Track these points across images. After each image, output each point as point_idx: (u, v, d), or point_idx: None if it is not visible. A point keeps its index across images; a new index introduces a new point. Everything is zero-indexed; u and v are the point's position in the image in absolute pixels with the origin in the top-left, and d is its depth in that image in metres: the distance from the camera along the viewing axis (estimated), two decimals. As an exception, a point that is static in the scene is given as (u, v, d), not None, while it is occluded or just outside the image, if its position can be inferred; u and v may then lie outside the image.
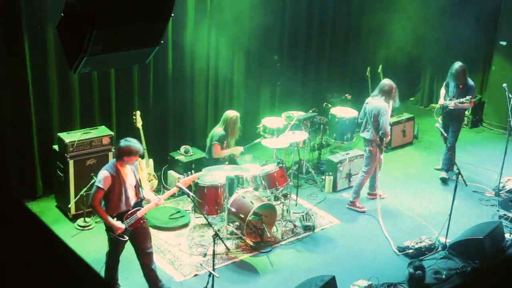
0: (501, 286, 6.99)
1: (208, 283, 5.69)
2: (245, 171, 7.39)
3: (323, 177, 8.75)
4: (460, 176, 7.06)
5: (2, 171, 7.49)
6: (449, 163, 8.89)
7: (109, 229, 5.72)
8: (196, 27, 8.81)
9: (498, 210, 8.14)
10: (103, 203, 5.69)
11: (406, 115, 10.38)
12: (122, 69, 8.12)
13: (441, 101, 8.84)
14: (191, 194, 6.16)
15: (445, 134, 8.44)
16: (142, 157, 7.33)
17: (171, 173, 8.38)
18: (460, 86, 8.65)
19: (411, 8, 10.74)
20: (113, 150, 7.59)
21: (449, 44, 11.10)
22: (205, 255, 6.82)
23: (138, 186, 5.87)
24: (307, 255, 7.07)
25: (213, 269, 5.76)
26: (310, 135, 8.94)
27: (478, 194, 8.61)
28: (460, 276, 6.67)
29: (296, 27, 10.20)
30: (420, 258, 6.81)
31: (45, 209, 7.71)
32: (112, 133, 7.70)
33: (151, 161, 8.10)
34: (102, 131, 7.67)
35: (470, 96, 8.48)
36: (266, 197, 7.50)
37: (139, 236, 5.87)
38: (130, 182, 5.77)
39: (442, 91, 8.95)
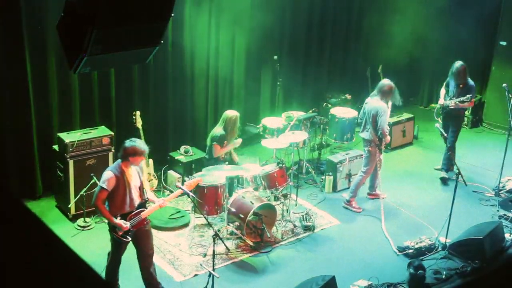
0: (501, 286, 6.99)
1: (208, 283, 5.69)
2: (245, 171, 7.39)
3: (323, 177, 8.75)
4: (460, 176, 7.06)
5: (2, 171, 7.50)
6: (449, 163, 8.89)
7: (113, 229, 5.71)
8: (196, 27, 8.81)
9: (498, 210, 8.14)
10: (106, 203, 5.69)
11: (406, 115, 10.38)
12: (122, 69, 8.12)
13: (441, 101, 8.84)
14: (191, 194, 6.15)
15: (445, 134, 8.44)
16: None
17: (171, 173, 8.38)
18: (461, 86, 8.65)
19: (411, 8, 10.74)
20: (113, 150, 7.60)
21: (449, 45, 11.10)
22: (205, 255, 6.82)
23: (142, 187, 5.87)
24: (307, 255, 7.07)
25: (213, 269, 5.76)
26: (310, 135, 8.94)
27: (478, 194, 8.61)
28: (460, 276, 6.67)
29: (296, 27, 10.20)
30: (420, 258, 6.81)
31: (45, 209, 7.71)
32: (112, 133, 7.70)
33: (150, 161, 8.10)
34: (102, 131, 7.67)
35: (471, 95, 8.49)
36: (266, 197, 7.50)
37: (142, 238, 5.86)
38: (134, 183, 5.76)
39: (442, 91, 8.95)
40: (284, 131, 8.37)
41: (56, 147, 7.59)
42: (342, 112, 9.61)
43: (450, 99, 8.67)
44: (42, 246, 1.35)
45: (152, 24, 4.51)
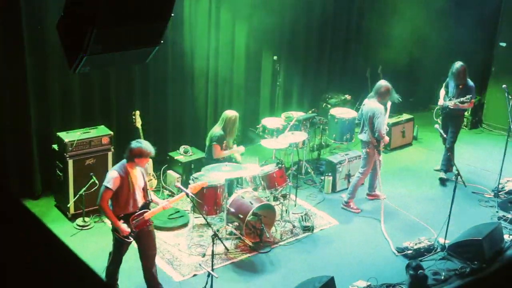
0: (500, 287, 7.00)
1: (207, 283, 5.68)
2: (244, 172, 7.38)
3: (322, 177, 8.75)
4: (459, 177, 7.07)
5: (1, 170, 7.50)
6: (448, 164, 8.89)
7: (115, 229, 5.72)
8: (196, 27, 8.81)
9: (497, 211, 8.14)
10: (110, 203, 5.69)
11: (405, 116, 10.39)
12: (122, 69, 8.12)
13: (441, 101, 8.84)
14: (190, 194, 6.16)
15: (444, 135, 8.46)
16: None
17: (170, 173, 8.38)
18: (460, 87, 8.65)
19: (411, 9, 10.74)
20: (112, 149, 7.60)
21: (449, 45, 11.10)
22: (204, 255, 6.82)
23: (146, 188, 5.88)
24: (306, 255, 7.07)
25: (212, 269, 5.76)
26: (309, 136, 8.94)
27: (477, 195, 8.61)
28: (459, 277, 6.67)
29: (296, 27, 10.20)
30: (419, 259, 6.81)
31: (44, 209, 7.70)
32: (112, 132, 7.70)
33: (150, 161, 8.09)
34: (101, 131, 7.67)
35: (471, 96, 8.49)
36: (265, 197, 7.51)
37: (144, 239, 5.86)
38: (138, 184, 5.77)
39: (442, 92, 8.95)
40: (283, 132, 8.37)
41: (55, 146, 7.59)
42: (342, 112, 9.61)
43: (450, 99, 8.68)
44: (41, 246, 1.35)
45: (152, 24, 4.51)
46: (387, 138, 7.91)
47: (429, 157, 9.87)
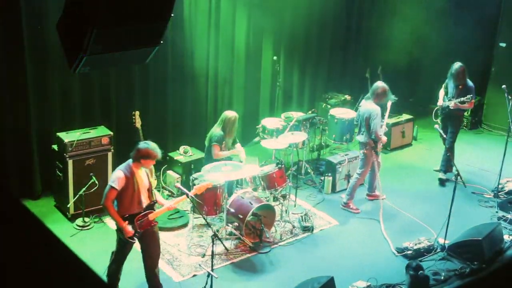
0: (500, 287, 6.99)
1: (206, 283, 5.68)
2: (243, 172, 7.38)
3: (322, 178, 8.75)
4: (459, 177, 7.07)
5: (1, 170, 7.49)
6: (448, 164, 8.89)
7: (119, 229, 5.71)
8: (196, 27, 8.81)
9: (497, 212, 8.14)
10: (115, 203, 5.68)
11: (405, 117, 10.39)
12: (122, 69, 8.12)
13: (440, 102, 8.84)
14: (190, 194, 6.16)
15: (444, 136, 8.47)
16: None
17: (170, 173, 8.38)
18: (460, 87, 8.65)
19: (411, 10, 10.74)
20: (112, 150, 7.60)
21: (449, 46, 11.09)
22: (204, 255, 6.82)
23: (151, 189, 5.88)
24: (305, 256, 7.07)
25: (212, 270, 5.76)
26: (309, 136, 8.94)
27: (477, 195, 8.61)
28: (458, 277, 6.67)
29: (295, 27, 10.19)
30: (419, 259, 6.81)
31: (44, 209, 7.70)
32: (111, 133, 7.70)
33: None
34: (101, 131, 7.67)
35: (471, 96, 8.49)
36: (265, 197, 7.51)
37: (148, 239, 5.85)
38: (143, 185, 5.77)
39: (441, 92, 8.94)
40: (283, 132, 8.37)
41: (55, 146, 7.59)
42: (342, 112, 9.61)
43: (449, 100, 8.68)
44: (41, 246, 1.35)
45: (152, 24, 4.51)
46: (384, 138, 7.91)
47: (429, 157, 9.87)
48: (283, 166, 7.65)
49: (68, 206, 7.37)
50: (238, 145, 7.88)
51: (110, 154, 7.60)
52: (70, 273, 1.34)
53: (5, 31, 7.13)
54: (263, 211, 7.00)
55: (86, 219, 7.38)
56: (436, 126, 8.20)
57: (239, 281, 6.55)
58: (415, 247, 7.04)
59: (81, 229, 7.31)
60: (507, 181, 8.69)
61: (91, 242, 7.03)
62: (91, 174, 7.27)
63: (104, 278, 5.96)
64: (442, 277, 6.60)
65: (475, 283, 6.69)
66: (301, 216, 7.67)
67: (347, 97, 10.62)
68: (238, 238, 7.12)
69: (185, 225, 7.51)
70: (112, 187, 5.59)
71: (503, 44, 11.00)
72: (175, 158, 8.44)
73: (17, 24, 7.14)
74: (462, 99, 8.50)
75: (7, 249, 1.28)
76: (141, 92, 8.50)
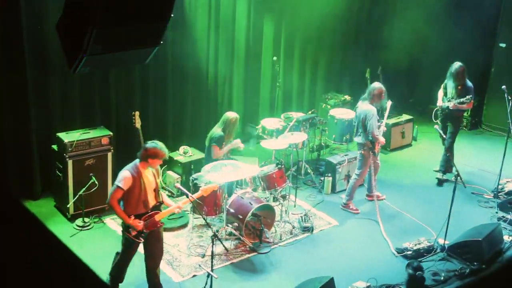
0: (499, 288, 6.99)
1: (206, 283, 5.68)
2: (243, 172, 7.38)
3: (322, 178, 8.75)
4: (458, 177, 7.07)
5: (1, 170, 7.49)
6: (447, 165, 8.89)
7: (126, 229, 5.70)
8: (196, 27, 8.81)
9: (496, 212, 8.14)
10: (121, 202, 5.67)
11: (405, 117, 10.38)
12: (122, 69, 8.12)
13: (439, 102, 8.84)
14: (189, 194, 6.15)
15: (444, 136, 8.46)
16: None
17: (170, 173, 8.38)
18: (459, 87, 8.65)
19: (411, 10, 10.74)
20: (112, 150, 7.60)
21: (449, 46, 11.09)
22: (203, 255, 6.82)
23: (157, 189, 5.86)
24: (305, 256, 7.07)
25: (212, 270, 5.76)
26: (309, 136, 8.94)
27: (476, 196, 8.61)
28: (458, 278, 6.67)
29: (295, 27, 10.19)
30: (419, 259, 6.81)
31: (44, 209, 7.69)
32: (111, 133, 7.70)
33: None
34: (101, 131, 7.67)
35: (471, 96, 8.48)
36: (265, 198, 7.50)
37: (153, 239, 5.85)
38: (150, 185, 5.76)
39: (440, 93, 8.93)
40: (283, 132, 8.37)
41: (55, 147, 7.59)
42: (341, 113, 9.61)
43: (449, 100, 8.67)
44: (41, 246, 1.36)
45: (152, 24, 4.51)
46: (382, 139, 7.89)
47: (429, 158, 9.87)
48: (283, 166, 7.65)
49: (68, 206, 7.37)
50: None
51: (110, 155, 7.60)
52: (70, 273, 1.34)
53: (5, 31, 7.13)
54: (263, 211, 7.00)
55: (86, 219, 7.38)
56: (436, 126, 8.21)
57: (239, 281, 6.55)
58: (415, 248, 7.04)
59: (81, 229, 7.30)
60: (507, 181, 8.69)
61: (91, 243, 7.03)
62: (91, 174, 7.26)
63: (107, 278, 5.95)
64: (442, 278, 6.60)
65: (475, 283, 6.69)
66: (301, 217, 7.67)
67: (347, 97, 10.62)
68: (238, 238, 7.12)
69: (185, 226, 7.50)
70: (118, 187, 5.58)
71: (503, 45, 11.00)
72: (175, 158, 8.44)
73: (17, 24, 7.14)
74: (461, 99, 8.50)
75: (7, 249, 1.28)
76: (141, 92, 8.50)
